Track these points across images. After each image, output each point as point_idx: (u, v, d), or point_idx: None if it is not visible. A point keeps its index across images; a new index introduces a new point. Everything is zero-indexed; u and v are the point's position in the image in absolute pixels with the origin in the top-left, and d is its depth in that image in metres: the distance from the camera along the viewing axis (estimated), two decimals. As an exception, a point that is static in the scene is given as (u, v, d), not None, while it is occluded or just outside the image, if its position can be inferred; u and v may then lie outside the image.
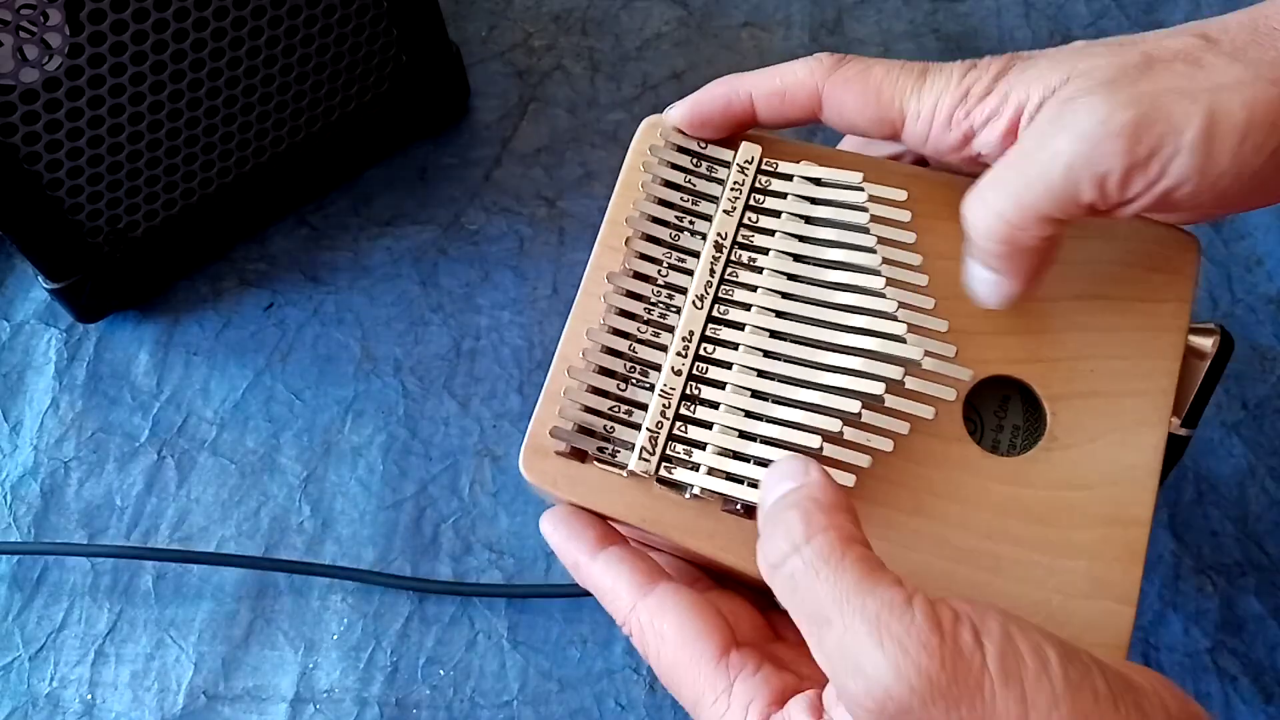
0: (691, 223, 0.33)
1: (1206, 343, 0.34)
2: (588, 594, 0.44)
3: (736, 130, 0.34)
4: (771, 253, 0.33)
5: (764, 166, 0.34)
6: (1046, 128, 0.28)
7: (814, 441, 0.30)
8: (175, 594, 0.46)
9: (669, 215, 0.33)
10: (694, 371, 0.32)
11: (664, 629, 0.29)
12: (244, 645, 0.45)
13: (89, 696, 0.45)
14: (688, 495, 0.31)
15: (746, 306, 0.32)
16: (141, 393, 0.50)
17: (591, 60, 0.57)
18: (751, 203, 0.34)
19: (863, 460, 0.31)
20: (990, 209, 0.29)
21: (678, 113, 0.34)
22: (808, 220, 0.33)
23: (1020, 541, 0.31)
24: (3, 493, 0.49)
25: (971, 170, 0.32)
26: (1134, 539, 0.31)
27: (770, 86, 0.33)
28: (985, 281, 0.31)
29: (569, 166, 0.55)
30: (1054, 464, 0.32)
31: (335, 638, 0.45)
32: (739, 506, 0.31)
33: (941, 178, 0.34)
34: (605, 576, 0.31)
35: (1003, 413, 0.34)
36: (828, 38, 0.58)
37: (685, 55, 0.57)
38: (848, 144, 0.38)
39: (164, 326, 0.52)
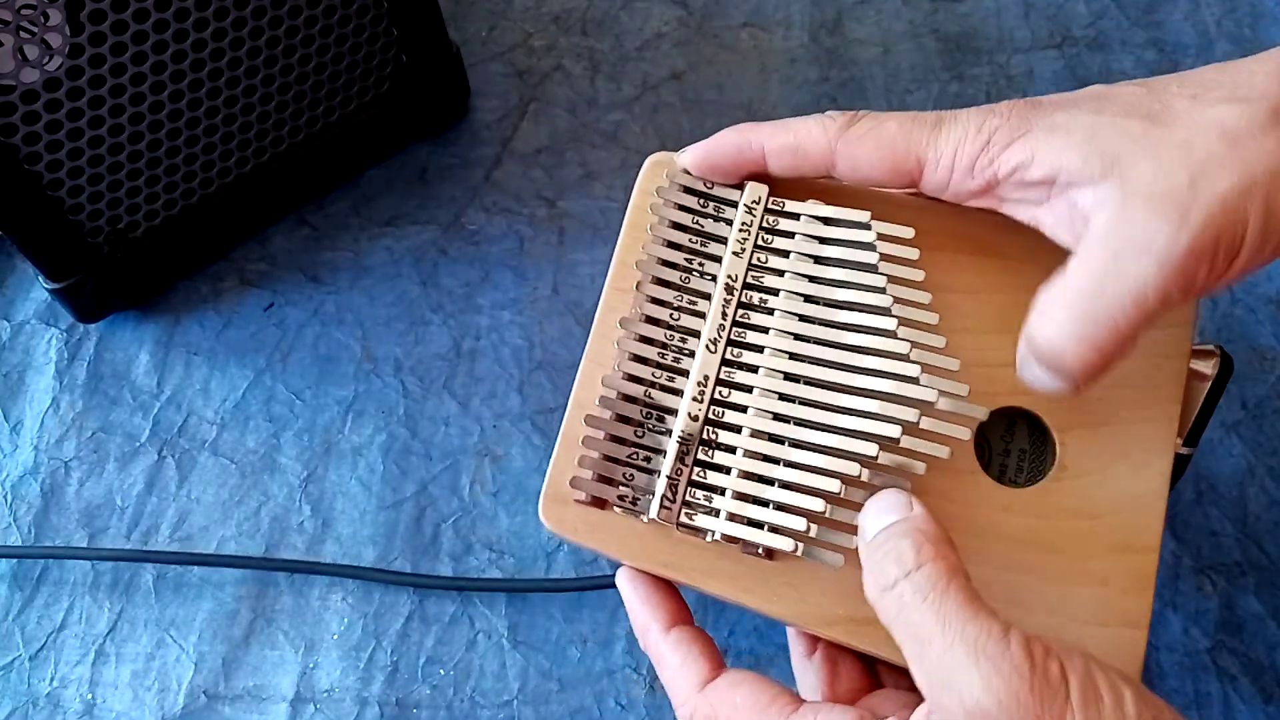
0: (701, 264, 0.33)
1: (1207, 365, 0.34)
2: (587, 588, 0.45)
3: (746, 178, 0.34)
4: (782, 294, 0.33)
5: (771, 206, 0.34)
6: (1113, 247, 0.28)
7: (833, 485, 0.30)
8: (175, 594, 0.46)
9: (678, 258, 0.33)
10: (710, 416, 0.32)
11: (736, 699, 0.30)
12: (244, 645, 0.45)
13: (89, 696, 0.45)
14: (708, 539, 0.32)
15: (759, 349, 0.32)
16: (142, 393, 0.50)
17: (591, 60, 0.57)
18: (760, 243, 0.33)
19: None
20: (1062, 331, 0.29)
21: (688, 157, 0.34)
22: (817, 260, 0.33)
23: (1034, 571, 0.32)
24: (3, 492, 0.49)
25: (989, 207, 0.32)
26: (1144, 565, 0.32)
27: (783, 141, 0.33)
28: (1044, 381, 0.30)
29: (569, 167, 0.55)
30: (1065, 494, 0.33)
31: (335, 637, 0.45)
32: (759, 550, 0.31)
33: (948, 208, 0.34)
34: (675, 653, 0.32)
35: (1009, 437, 0.34)
36: (828, 38, 0.58)
37: (685, 55, 0.57)
38: None
39: (164, 326, 0.52)
